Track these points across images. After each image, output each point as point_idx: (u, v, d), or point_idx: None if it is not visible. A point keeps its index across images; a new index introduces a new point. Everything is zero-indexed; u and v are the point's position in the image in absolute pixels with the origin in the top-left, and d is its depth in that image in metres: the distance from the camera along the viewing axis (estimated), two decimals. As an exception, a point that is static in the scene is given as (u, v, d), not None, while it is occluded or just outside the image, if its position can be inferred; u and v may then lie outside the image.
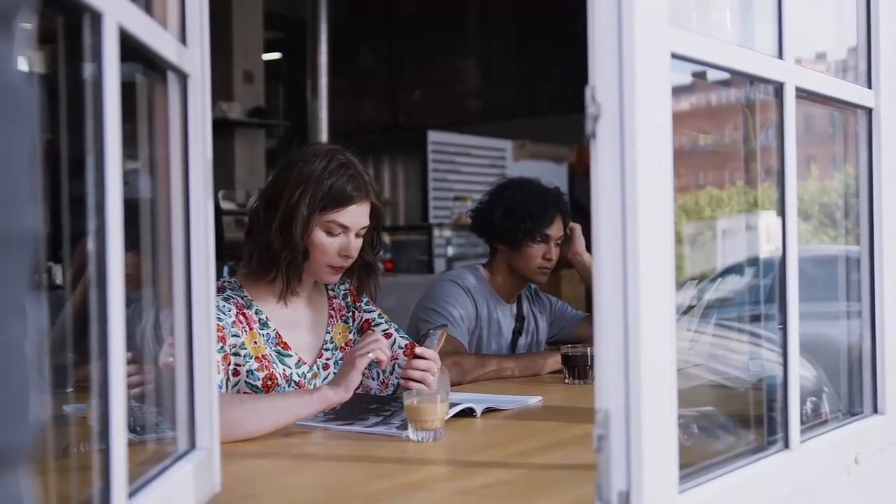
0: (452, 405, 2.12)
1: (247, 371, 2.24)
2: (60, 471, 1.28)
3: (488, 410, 2.28)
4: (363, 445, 1.92)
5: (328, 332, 2.44)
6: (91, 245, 1.05)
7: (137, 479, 1.21)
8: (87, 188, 1.05)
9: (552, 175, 6.76)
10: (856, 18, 1.92)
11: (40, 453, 0.68)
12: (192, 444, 1.43)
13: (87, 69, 1.06)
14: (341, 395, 2.06)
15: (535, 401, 2.45)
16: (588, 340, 3.04)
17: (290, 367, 2.31)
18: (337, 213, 2.27)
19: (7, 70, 0.62)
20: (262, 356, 2.27)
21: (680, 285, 1.36)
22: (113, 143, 1.05)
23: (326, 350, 2.42)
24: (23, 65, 0.65)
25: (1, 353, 0.62)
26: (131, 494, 1.13)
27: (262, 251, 2.29)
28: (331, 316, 2.47)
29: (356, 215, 2.30)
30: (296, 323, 2.38)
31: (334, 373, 2.38)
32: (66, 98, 1.08)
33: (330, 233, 2.28)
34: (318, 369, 2.38)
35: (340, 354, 2.43)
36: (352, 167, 2.31)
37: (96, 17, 1.03)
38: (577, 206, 3.42)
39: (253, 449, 1.95)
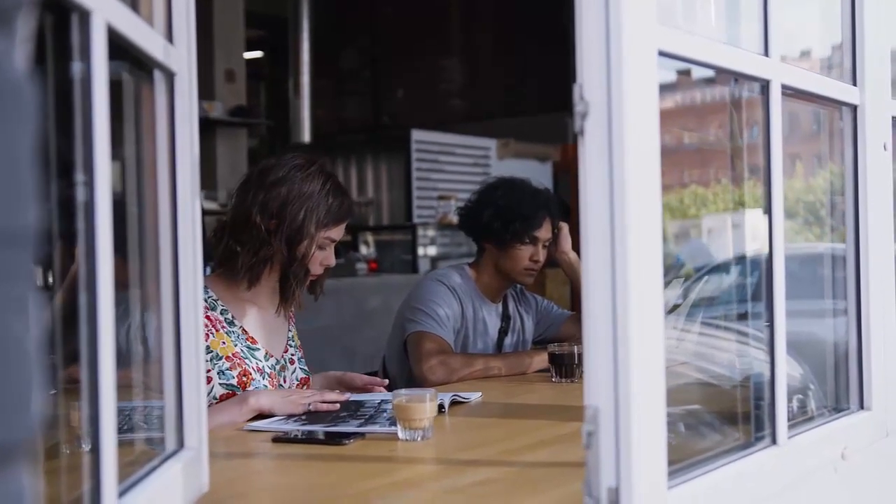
0: None
1: (218, 372, 2.31)
2: (48, 472, 1.28)
3: (455, 403, 2.35)
4: (351, 446, 1.92)
5: (290, 331, 2.57)
6: (79, 246, 1.05)
7: (126, 479, 1.21)
8: (74, 188, 1.04)
9: (536, 174, 6.76)
10: (840, 15, 1.93)
11: (34, 453, 0.68)
12: (181, 444, 1.43)
13: (75, 67, 1.05)
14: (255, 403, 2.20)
15: (475, 396, 2.48)
16: (574, 339, 3.05)
17: (260, 361, 2.41)
18: (333, 231, 2.42)
19: (8, 68, 0.62)
20: (233, 354, 2.35)
21: (666, 283, 1.36)
22: (102, 142, 1.05)
23: (291, 346, 2.55)
24: (23, 63, 0.65)
25: (4, 349, 0.62)
26: (121, 494, 1.12)
27: (262, 263, 2.37)
28: (290, 317, 2.59)
29: (343, 230, 2.47)
30: (261, 321, 2.47)
31: (300, 368, 2.54)
32: (52, 96, 1.07)
33: (320, 247, 2.41)
34: (286, 363, 2.51)
35: (300, 353, 2.58)
36: (342, 186, 2.48)
37: (84, 16, 1.02)
38: (562, 205, 3.41)
39: (241, 449, 1.95)
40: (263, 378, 2.38)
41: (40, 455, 1.18)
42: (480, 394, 2.50)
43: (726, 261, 2.36)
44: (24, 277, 0.63)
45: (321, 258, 2.42)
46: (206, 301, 2.35)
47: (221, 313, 2.39)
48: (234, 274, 2.39)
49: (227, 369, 2.32)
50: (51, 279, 1.32)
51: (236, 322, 2.40)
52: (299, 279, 2.41)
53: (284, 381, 2.47)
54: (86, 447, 1.09)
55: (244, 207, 2.37)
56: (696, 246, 2.10)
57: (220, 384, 2.31)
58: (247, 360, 2.36)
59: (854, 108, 1.91)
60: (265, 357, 2.42)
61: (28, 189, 0.63)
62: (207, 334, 2.30)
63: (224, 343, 2.35)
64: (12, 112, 0.61)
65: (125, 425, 1.41)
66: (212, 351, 2.31)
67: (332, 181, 2.43)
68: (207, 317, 2.33)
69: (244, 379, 2.33)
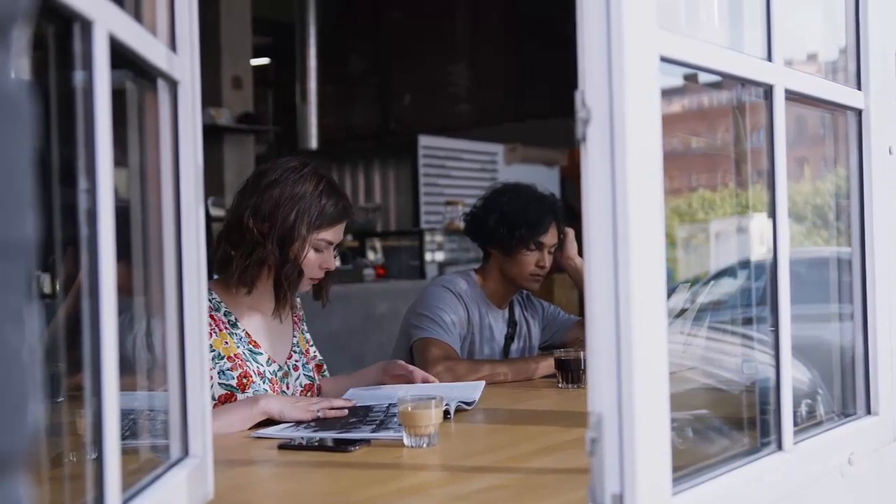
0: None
1: (219, 372, 2.32)
2: (54, 479, 1.28)
3: (459, 410, 2.34)
4: (357, 452, 1.92)
5: (294, 337, 2.57)
6: (82, 254, 1.05)
7: (130, 486, 1.21)
8: (78, 196, 1.04)
9: (543, 179, 6.76)
10: (845, 20, 1.93)
11: (35, 462, 0.68)
12: (186, 452, 1.43)
13: (77, 77, 1.05)
14: (268, 406, 2.19)
15: (480, 386, 2.53)
16: (581, 344, 3.04)
17: (262, 365, 2.41)
18: (327, 232, 2.41)
19: (4, 79, 0.63)
20: (235, 355, 2.36)
21: (673, 288, 1.36)
22: (104, 150, 1.05)
23: (295, 352, 2.55)
24: (20, 73, 0.65)
25: (1, 359, 0.62)
26: (125, 502, 1.13)
27: (256, 265, 2.37)
28: (295, 323, 2.59)
29: (341, 232, 2.46)
30: (265, 327, 2.48)
31: (304, 374, 2.53)
32: (55, 105, 1.07)
33: (317, 249, 2.41)
34: (290, 369, 2.50)
35: (305, 359, 2.57)
36: (337, 187, 2.46)
37: (87, 25, 1.03)
38: (569, 210, 3.41)
39: (246, 456, 1.95)
40: (264, 382, 2.38)
41: (40, 464, 1.19)
42: (483, 382, 2.55)
43: (734, 265, 2.36)
44: (20, 288, 0.64)
45: (319, 261, 2.42)
46: (209, 302, 2.36)
47: (225, 315, 2.39)
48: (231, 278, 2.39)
49: (228, 369, 2.33)
50: (47, 288, 1.32)
51: (240, 325, 2.41)
52: (292, 281, 2.40)
53: (287, 388, 2.46)
54: (92, 455, 1.10)
55: (238, 212, 2.39)
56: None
57: (220, 384, 2.31)
58: (248, 363, 2.37)
59: (859, 113, 1.91)
60: (267, 362, 2.42)
61: (25, 200, 0.63)
62: (210, 333, 2.30)
63: (227, 343, 2.35)
64: (9, 122, 0.62)
65: (128, 431, 1.41)
66: (214, 350, 2.31)
67: (325, 182, 2.41)
68: (211, 316, 2.34)
69: (244, 381, 2.33)
